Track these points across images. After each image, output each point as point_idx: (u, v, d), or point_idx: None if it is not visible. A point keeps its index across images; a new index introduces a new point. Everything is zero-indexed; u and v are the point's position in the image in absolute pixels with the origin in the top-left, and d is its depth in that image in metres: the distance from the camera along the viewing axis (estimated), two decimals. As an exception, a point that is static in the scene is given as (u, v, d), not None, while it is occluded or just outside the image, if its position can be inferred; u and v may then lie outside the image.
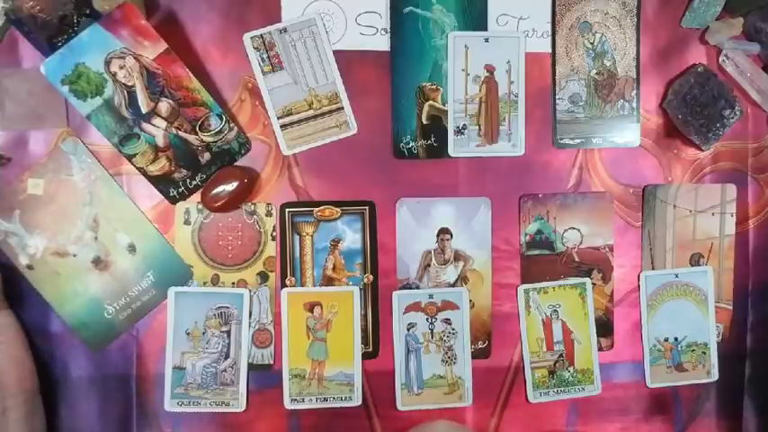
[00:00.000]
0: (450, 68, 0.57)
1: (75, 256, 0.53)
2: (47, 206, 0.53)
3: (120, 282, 0.54)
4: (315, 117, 0.55)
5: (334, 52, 0.55)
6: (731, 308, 0.62)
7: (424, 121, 0.57)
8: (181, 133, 0.53)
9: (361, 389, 0.57)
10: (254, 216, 0.56)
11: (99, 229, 0.53)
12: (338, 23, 0.55)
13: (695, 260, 0.61)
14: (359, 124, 0.56)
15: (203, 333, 0.55)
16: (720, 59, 0.60)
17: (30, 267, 0.53)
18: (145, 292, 0.54)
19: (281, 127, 0.55)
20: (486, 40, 0.57)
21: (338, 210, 0.56)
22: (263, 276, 0.56)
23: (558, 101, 0.59)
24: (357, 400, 0.57)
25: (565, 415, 0.60)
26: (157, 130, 0.53)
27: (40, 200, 0.53)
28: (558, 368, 0.59)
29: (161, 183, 0.54)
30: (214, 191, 0.53)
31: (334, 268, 0.57)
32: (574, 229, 0.59)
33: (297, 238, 0.56)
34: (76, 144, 0.53)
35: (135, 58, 0.51)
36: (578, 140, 0.59)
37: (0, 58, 0.52)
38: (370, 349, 0.57)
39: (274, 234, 0.56)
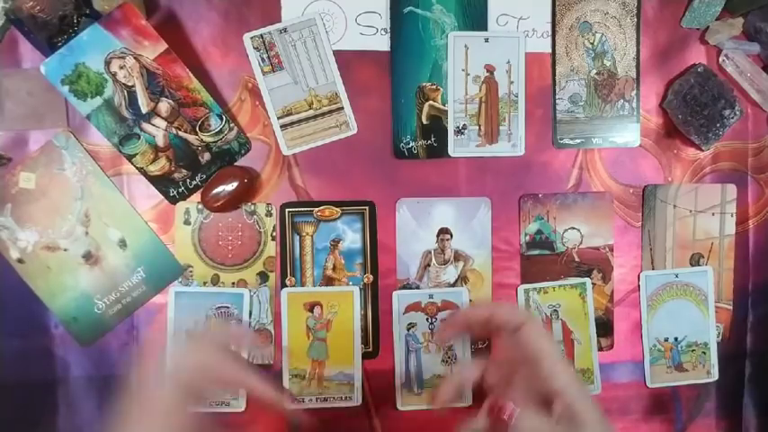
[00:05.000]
0: (451, 68, 0.57)
1: (65, 250, 0.53)
2: (38, 200, 0.53)
3: (111, 277, 0.54)
4: (315, 117, 0.55)
5: (334, 52, 0.55)
6: (731, 308, 0.62)
7: (424, 121, 0.57)
8: (181, 133, 0.53)
9: (361, 389, 0.57)
10: (254, 216, 0.56)
11: (90, 224, 0.53)
12: (338, 23, 0.55)
13: (695, 260, 0.61)
14: (359, 124, 0.56)
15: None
16: (720, 59, 0.60)
17: (20, 261, 0.53)
18: (135, 287, 0.54)
19: (281, 127, 0.55)
20: (486, 40, 0.57)
21: (338, 210, 0.56)
22: (263, 276, 0.56)
23: (558, 101, 0.59)
24: (357, 400, 0.57)
25: (565, 415, 0.60)
26: (157, 130, 0.53)
27: (31, 194, 0.53)
28: (558, 368, 0.59)
29: (161, 183, 0.54)
30: (214, 191, 0.53)
31: (334, 268, 0.57)
32: (574, 229, 0.59)
33: (297, 238, 0.56)
34: (68, 139, 0.53)
35: (135, 58, 0.51)
36: (578, 140, 0.59)
37: (0, 58, 0.52)
38: (370, 349, 0.57)
39: (274, 234, 0.56)
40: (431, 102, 0.57)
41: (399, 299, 0.57)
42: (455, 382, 0.47)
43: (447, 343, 0.57)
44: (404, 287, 0.58)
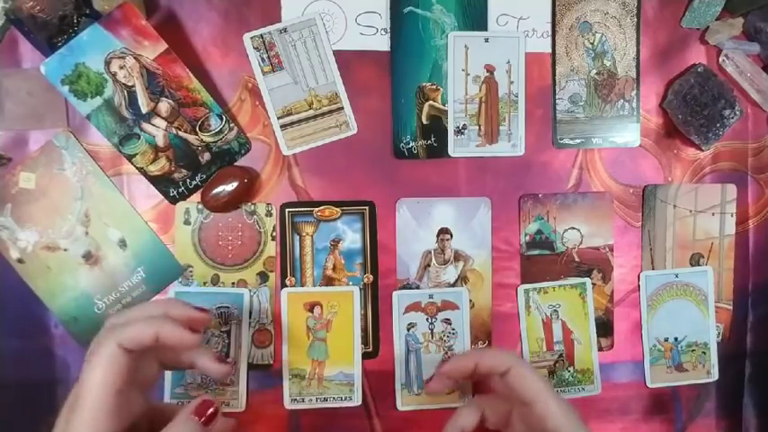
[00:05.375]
0: (451, 68, 0.57)
1: (65, 250, 0.53)
2: (38, 200, 0.53)
3: (111, 277, 0.54)
4: (315, 117, 0.55)
5: (335, 52, 0.55)
6: (731, 308, 0.62)
7: (424, 121, 0.57)
8: (181, 133, 0.53)
9: (361, 389, 0.57)
10: (254, 216, 0.56)
11: (90, 224, 0.53)
12: (338, 23, 0.55)
13: (695, 260, 0.61)
14: (359, 124, 0.56)
15: (203, 333, 0.55)
16: (720, 59, 0.60)
17: (20, 261, 0.53)
18: (135, 287, 0.54)
19: (281, 127, 0.55)
20: (486, 40, 0.57)
21: (338, 210, 0.56)
22: (263, 276, 0.56)
23: (558, 101, 0.59)
24: (357, 400, 0.57)
25: (565, 415, 0.60)
26: (157, 130, 0.53)
27: (31, 194, 0.53)
28: (558, 368, 0.59)
29: (161, 183, 0.54)
30: (214, 191, 0.53)
31: (334, 268, 0.57)
32: (574, 229, 0.59)
33: (297, 238, 0.56)
34: (68, 139, 0.53)
35: (135, 58, 0.51)
36: (578, 140, 0.59)
37: (0, 58, 0.52)
38: (370, 349, 0.57)
39: (274, 234, 0.56)
40: (431, 102, 0.57)
41: (399, 299, 0.57)
42: (457, 428, 0.48)
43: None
44: (404, 287, 0.58)
